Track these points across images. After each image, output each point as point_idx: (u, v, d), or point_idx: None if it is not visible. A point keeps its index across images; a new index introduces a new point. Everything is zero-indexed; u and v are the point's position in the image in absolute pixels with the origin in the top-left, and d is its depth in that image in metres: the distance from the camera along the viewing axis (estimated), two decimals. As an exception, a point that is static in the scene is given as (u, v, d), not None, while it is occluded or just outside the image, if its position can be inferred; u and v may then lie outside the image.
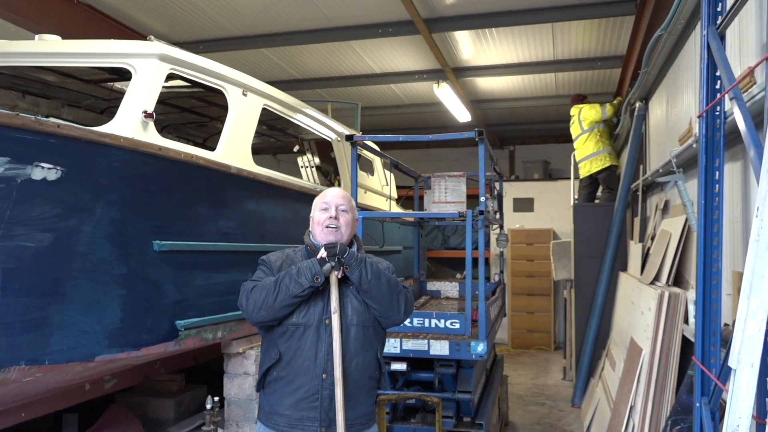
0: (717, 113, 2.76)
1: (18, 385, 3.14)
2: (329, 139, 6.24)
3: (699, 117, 2.87)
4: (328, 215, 2.59)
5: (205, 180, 4.11)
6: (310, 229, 2.69)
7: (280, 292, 2.43)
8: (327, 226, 2.58)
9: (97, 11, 6.61)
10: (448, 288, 6.40)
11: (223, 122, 4.49)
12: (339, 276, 2.50)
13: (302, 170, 7.66)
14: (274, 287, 2.45)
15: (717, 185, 2.72)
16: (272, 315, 2.48)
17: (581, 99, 8.38)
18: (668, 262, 4.52)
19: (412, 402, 4.43)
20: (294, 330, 2.50)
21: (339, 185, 6.72)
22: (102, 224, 3.36)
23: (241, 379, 4.54)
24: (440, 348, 4.21)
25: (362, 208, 5.46)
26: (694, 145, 3.65)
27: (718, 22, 2.76)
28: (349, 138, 4.92)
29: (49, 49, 4.06)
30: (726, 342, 2.53)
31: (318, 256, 2.51)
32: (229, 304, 4.27)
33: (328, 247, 2.49)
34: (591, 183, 8.06)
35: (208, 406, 4.39)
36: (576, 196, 8.57)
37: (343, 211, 2.62)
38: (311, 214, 2.69)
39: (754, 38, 2.96)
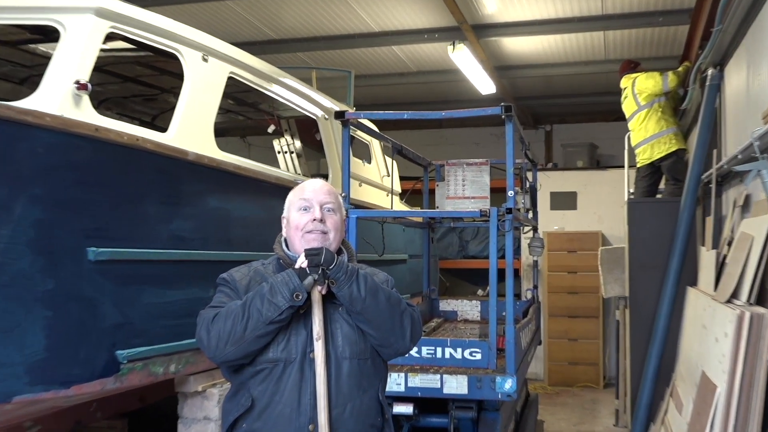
0: (812, 83, 2.77)
1: None
2: (314, 117, 6.25)
3: (789, 87, 2.87)
4: (310, 217, 2.54)
5: (155, 169, 4.11)
6: (284, 234, 2.65)
7: (251, 318, 2.36)
8: (310, 232, 2.53)
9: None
10: (467, 308, 6.41)
11: (177, 95, 4.50)
12: (323, 292, 2.47)
13: (279, 156, 7.66)
14: (242, 313, 2.37)
15: (812, 175, 2.72)
16: (243, 350, 2.41)
17: (633, 67, 8.34)
18: (750, 275, 4.52)
19: (421, 455, 4.44)
20: (272, 368, 2.45)
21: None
22: (22, 227, 3.35)
23: (201, 425, 4.54)
24: (457, 385, 4.21)
25: (356, 204, 5.46)
26: (783, 124, 3.65)
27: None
28: (339, 115, 4.92)
29: (-46, 2, 4.07)
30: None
31: (296, 266, 2.46)
32: (186, 329, 4.26)
33: (310, 254, 2.42)
34: (652, 173, 8.04)
35: (159, 461, 4.40)
36: (632, 190, 8.57)
37: (329, 210, 2.57)
38: (285, 215, 2.65)
39: None
